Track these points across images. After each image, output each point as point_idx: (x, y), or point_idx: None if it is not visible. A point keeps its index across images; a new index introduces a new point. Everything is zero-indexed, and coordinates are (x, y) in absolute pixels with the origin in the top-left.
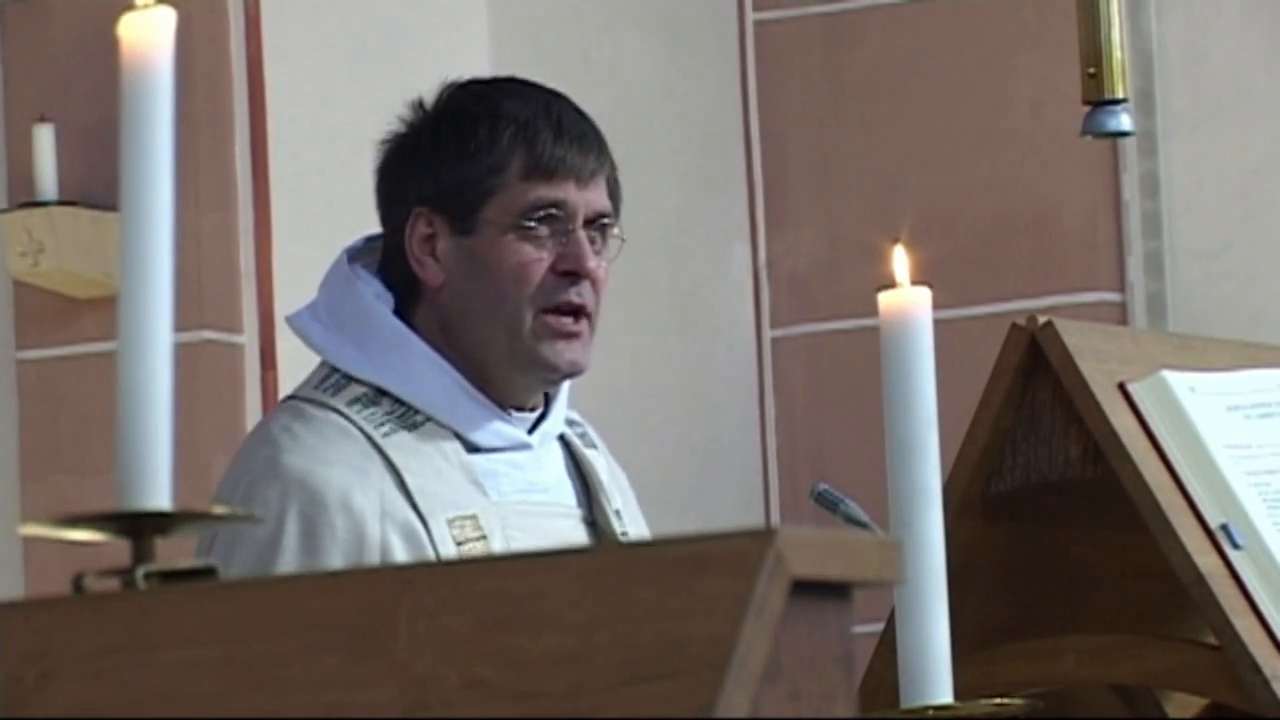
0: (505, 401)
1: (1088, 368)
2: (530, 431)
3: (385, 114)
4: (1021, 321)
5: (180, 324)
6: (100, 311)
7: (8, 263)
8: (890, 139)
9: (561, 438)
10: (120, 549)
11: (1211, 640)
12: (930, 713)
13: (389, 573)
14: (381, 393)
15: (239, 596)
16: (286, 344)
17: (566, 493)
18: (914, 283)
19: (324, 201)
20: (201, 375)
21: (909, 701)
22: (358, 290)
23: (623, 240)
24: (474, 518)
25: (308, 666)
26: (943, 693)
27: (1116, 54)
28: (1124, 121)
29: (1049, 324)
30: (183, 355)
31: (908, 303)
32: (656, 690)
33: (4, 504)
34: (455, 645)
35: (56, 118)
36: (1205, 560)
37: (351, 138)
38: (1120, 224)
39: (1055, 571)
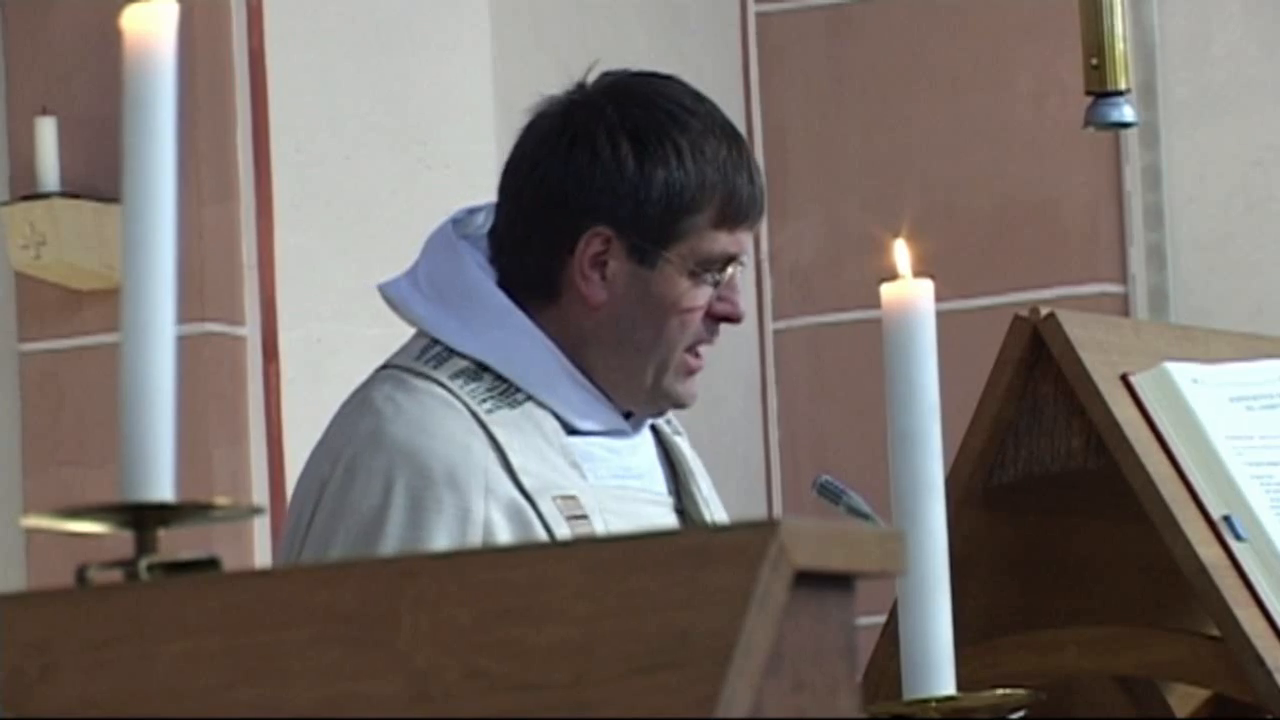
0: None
1: (1090, 359)
2: (626, 418)
3: (386, 105)
4: (1024, 313)
5: (182, 316)
6: (102, 303)
7: (9, 255)
8: (892, 131)
9: (653, 426)
10: (123, 541)
11: (1214, 632)
12: (933, 704)
13: (392, 564)
14: (483, 368)
15: (242, 588)
16: (289, 336)
17: (658, 480)
18: (916, 274)
19: (326, 193)
20: (204, 367)
21: (912, 693)
22: (464, 263)
23: (743, 266)
24: (574, 499)
25: (310, 658)
26: (945, 684)
27: (1119, 45)
28: (1127, 113)
29: (1051, 315)
30: (185, 347)
31: (910, 294)
32: (660, 682)
33: (6, 496)
34: (458, 636)
35: (58, 109)
36: (1208, 552)
37: (354, 129)
38: (1122, 215)
39: (1057, 563)
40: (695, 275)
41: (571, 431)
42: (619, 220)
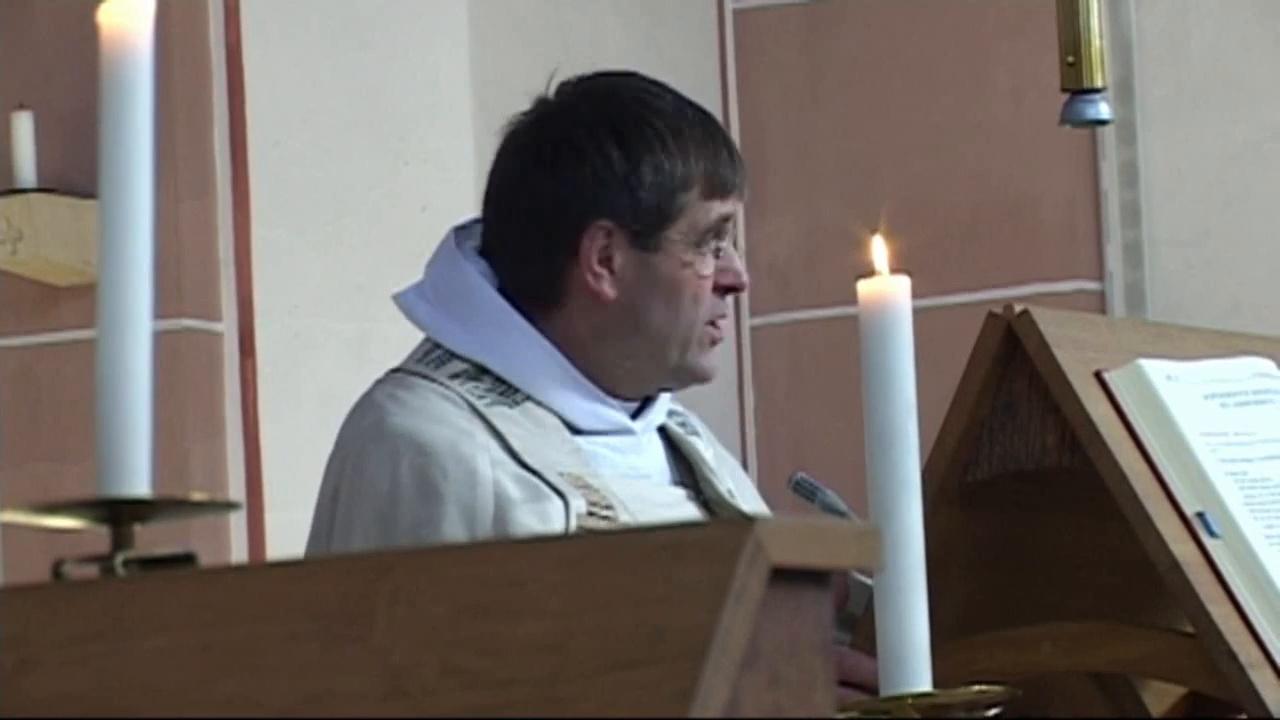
0: (614, 392)
1: (1064, 356)
2: (633, 419)
3: (364, 100)
4: (999, 310)
5: (159, 312)
6: (79, 299)
7: None
8: (869, 127)
9: (661, 429)
10: (99, 536)
11: (1188, 628)
12: (909, 700)
13: (368, 559)
14: (483, 370)
15: (218, 583)
16: (266, 331)
17: (666, 479)
18: (893, 271)
19: (303, 189)
20: (181, 363)
21: (888, 689)
22: (463, 269)
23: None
24: (579, 476)
25: (287, 653)
26: (922, 681)
27: (1096, 42)
28: (1103, 110)
29: (1025, 313)
30: (162, 343)
31: (887, 291)
32: (636, 677)
33: None
34: (434, 632)
35: (35, 105)
36: (1181, 548)
37: (331, 125)
38: (1099, 213)
39: (1032, 560)
40: (698, 247)
41: (575, 432)
42: (617, 213)
